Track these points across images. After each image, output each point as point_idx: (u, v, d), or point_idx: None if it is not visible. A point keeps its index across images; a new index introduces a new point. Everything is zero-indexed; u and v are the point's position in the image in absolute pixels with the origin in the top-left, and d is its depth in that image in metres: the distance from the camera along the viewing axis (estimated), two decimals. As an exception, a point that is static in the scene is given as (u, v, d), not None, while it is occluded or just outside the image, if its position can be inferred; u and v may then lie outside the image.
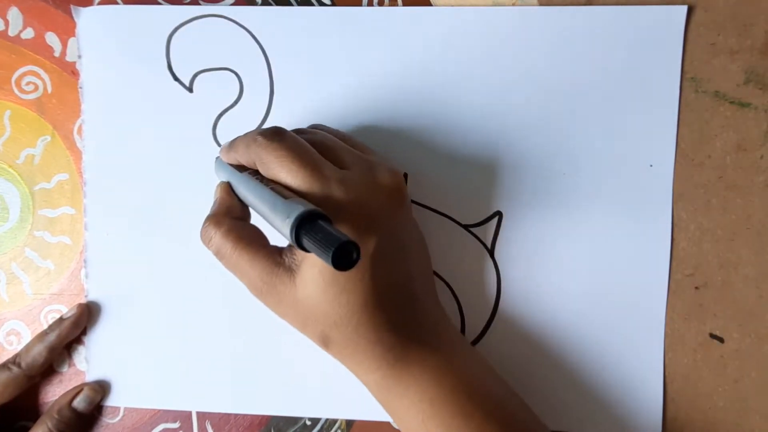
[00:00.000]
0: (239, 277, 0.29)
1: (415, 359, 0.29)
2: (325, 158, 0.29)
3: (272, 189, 0.27)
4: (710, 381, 0.35)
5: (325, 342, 0.29)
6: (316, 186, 0.27)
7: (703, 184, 0.35)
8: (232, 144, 0.31)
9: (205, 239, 0.30)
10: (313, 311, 0.28)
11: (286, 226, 0.24)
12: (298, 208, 0.24)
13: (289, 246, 0.29)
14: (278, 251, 0.29)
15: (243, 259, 0.28)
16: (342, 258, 0.22)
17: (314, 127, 0.34)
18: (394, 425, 0.34)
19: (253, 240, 0.29)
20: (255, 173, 0.29)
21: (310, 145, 0.29)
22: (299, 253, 0.28)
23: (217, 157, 0.33)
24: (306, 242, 0.24)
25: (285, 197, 0.26)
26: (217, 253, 0.29)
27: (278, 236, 0.28)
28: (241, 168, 0.31)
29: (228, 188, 0.31)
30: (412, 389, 0.29)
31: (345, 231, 0.27)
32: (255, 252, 0.28)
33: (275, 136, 0.28)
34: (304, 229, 0.24)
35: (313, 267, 0.27)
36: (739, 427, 0.35)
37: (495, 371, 0.32)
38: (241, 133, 0.31)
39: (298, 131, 0.31)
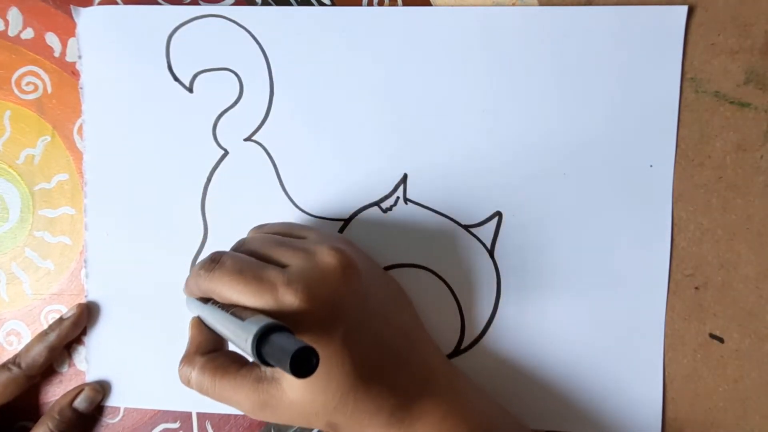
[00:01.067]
0: (229, 405, 0.29)
1: (418, 416, 0.29)
2: (268, 262, 0.29)
3: (232, 313, 0.27)
4: (710, 381, 0.35)
5: (334, 428, 0.29)
6: (267, 297, 0.27)
7: (703, 184, 0.35)
8: (186, 282, 0.31)
9: (184, 381, 0.30)
10: (311, 407, 0.28)
11: (248, 346, 0.24)
12: (253, 327, 0.24)
13: None
14: (257, 366, 0.29)
15: (225, 388, 0.28)
16: (302, 365, 0.22)
17: (254, 230, 0.35)
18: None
19: (229, 367, 0.29)
20: (215, 301, 0.29)
21: (251, 255, 0.29)
22: None
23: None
24: (268, 356, 0.24)
25: (243, 318, 0.26)
26: (200, 390, 0.29)
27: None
28: (206, 299, 0.30)
29: (198, 323, 0.31)
30: None
31: (309, 328, 0.27)
32: (234, 377, 0.28)
33: (212, 263, 0.28)
34: (263, 346, 0.24)
35: None
36: (739, 427, 0.35)
37: (495, 403, 0.33)
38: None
39: (237, 244, 0.32)
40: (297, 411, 0.28)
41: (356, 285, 0.29)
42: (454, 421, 0.30)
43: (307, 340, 0.26)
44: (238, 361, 0.30)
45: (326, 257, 0.29)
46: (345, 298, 0.28)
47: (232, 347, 0.31)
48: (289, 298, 0.27)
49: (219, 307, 0.28)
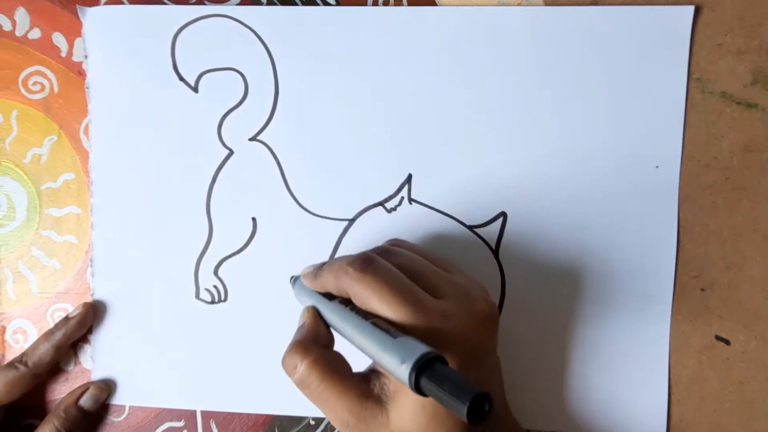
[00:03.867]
0: (323, 409, 0.27)
1: None
2: (417, 284, 0.28)
3: (374, 323, 0.25)
4: (716, 383, 0.35)
5: None
6: (420, 321, 0.26)
7: (709, 186, 0.35)
8: (318, 273, 0.30)
9: (289, 367, 0.28)
10: None
11: (403, 370, 0.23)
12: (415, 352, 0.23)
13: (376, 373, 0.28)
14: (365, 379, 0.28)
15: (330, 392, 0.27)
16: (475, 410, 0.21)
17: (393, 243, 0.33)
18: None
19: (338, 370, 0.27)
20: (347, 302, 0.28)
21: (399, 270, 0.28)
22: (391, 381, 0.27)
23: (294, 279, 0.33)
24: (429, 389, 0.22)
25: (392, 334, 0.24)
26: (301, 384, 0.27)
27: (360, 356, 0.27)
28: (328, 295, 0.29)
29: (316, 314, 0.29)
30: None
31: (450, 363, 0.25)
32: (342, 384, 0.27)
33: (366, 265, 0.27)
34: (425, 375, 0.22)
35: (413, 400, 0.26)
36: (745, 429, 0.35)
37: None
38: (323, 261, 0.30)
39: (381, 252, 0.30)
40: None
41: (495, 340, 0.30)
42: None
43: None
44: (346, 367, 0.28)
45: (482, 305, 0.28)
46: (485, 349, 0.28)
47: (343, 347, 0.29)
48: (442, 329, 0.26)
49: (354, 311, 0.27)
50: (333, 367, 0.27)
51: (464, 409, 0.21)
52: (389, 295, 0.26)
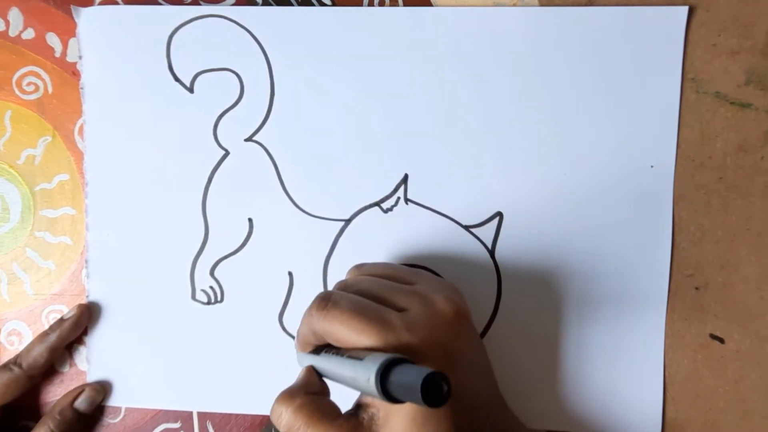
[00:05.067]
0: None
1: None
2: (380, 305, 0.28)
3: (348, 356, 0.26)
4: (710, 382, 0.35)
5: None
6: (390, 338, 0.26)
7: (703, 185, 0.35)
8: (297, 335, 0.31)
9: (275, 415, 0.28)
10: None
11: (371, 385, 0.23)
12: (376, 362, 0.23)
13: (363, 405, 0.28)
14: (353, 415, 0.28)
15: None
16: (433, 392, 0.21)
17: (355, 268, 0.34)
18: None
19: (325, 413, 0.27)
20: (332, 348, 0.29)
21: (361, 296, 0.28)
22: (381, 407, 0.27)
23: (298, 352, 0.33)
24: (394, 390, 0.23)
25: (361, 358, 0.25)
26: (288, 431, 0.27)
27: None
28: (319, 350, 0.30)
29: (309, 368, 0.30)
30: None
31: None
32: (330, 424, 0.27)
33: (326, 302, 0.28)
34: (387, 380, 0.23)
35: (403, 417, 0.26)
36: (739, 428, 0.35)
37: None
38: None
39: (342, 286, 0.31)
40: None
41: (469, 335, 0.30)
42: None
43: None
44: (337, 409, 0.28)
45: (443, 305, 0.29)
46: (460, 346, 0.28)
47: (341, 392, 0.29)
48: (410, 340, 0.26)
49: (334, 353, 0.28)
50: (319, 410, 0.27)
51: (418, 394, 0.21)
52: (354, 322, 0.27)
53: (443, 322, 0.28)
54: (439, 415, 0.26)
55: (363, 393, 0.26)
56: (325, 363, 0.29)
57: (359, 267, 0.34)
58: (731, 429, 0.35)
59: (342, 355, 0.27)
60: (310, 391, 0.29)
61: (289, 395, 0.28)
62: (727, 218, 0.35)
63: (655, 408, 0.35)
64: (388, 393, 0.23)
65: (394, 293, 0.29)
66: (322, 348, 0.29)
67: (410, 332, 0.27)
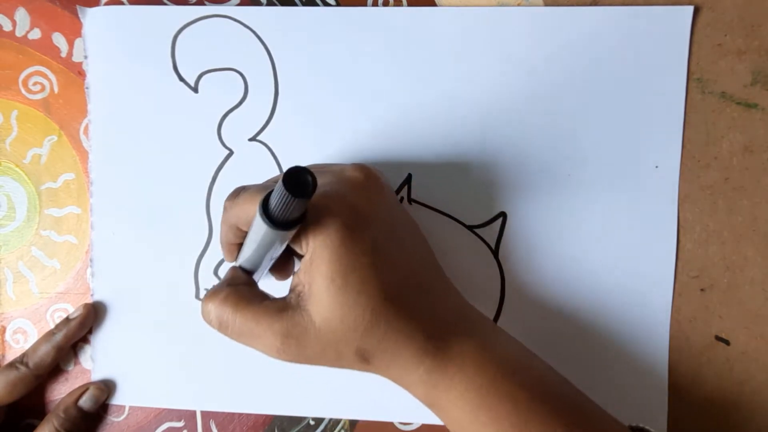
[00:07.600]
0: (250, 343, 0.28)
1: (454, 347, 0.28)
2: None
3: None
4: (716, 383, 0.35)
5: (365, 357, 0.27)
6: None
7: (709, 186, 0.35)
8: (220, 241, 0.32)
9: (205, 315, 0.28)
10: (340, 330, 0.26)
11: (259, 220, 0.24)
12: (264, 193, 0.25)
13: (292, 288, 0.28)
14: (281, 299, 0.28)
15: (247, 319, 0.27)
16: (297, 185, 0.23)
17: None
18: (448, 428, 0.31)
19: (253, 298, 0.28)
20: None
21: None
22: (304, 278, 0.27)
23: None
24: (269, 204, 0.24)
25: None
26: (220, 326, 0.28)
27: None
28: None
29: (234, 267, 0.31)
30: (457, 379, 0.27)
31: (336, 227, 0.26)
32: (257, 308, 0.27)
33: (236, 193, 0.29)
34: (269, 209, 0.24)
35: (322, 279, 0.26)
36: (744, 430, 0.35)
37: (525, 347, 0.31)
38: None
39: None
40: (324, 339, 0.26)
41: (383, 197, 0.29)
42: (492, 355, 0.28)
43: (340, 250, 0.26)
44: (265, 295, 0.28)
45: (352, 171, 0.29)
46: (374, 208, 0.28)
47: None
48: (319, 203, 0.26)
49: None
50: (245, 297, 0.28)
51: (282, 184, 0.22)
52: (260, 196, 0.26)
53: (352, 184, 0.29)
54: (362, 273, 0.26)
55: (270, 246, 0.27)
56: (244, 251, 0.29)
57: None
58: (737, 431, 0.35)
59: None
60: (235, 284, 0.29)
61: (213, 291, 0.28)
62: (733, 219, 0.35)
63: (660, 410, 0.35)
64: (271, 218, 0.24)
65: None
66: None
67: (321, 196, 0.27)
